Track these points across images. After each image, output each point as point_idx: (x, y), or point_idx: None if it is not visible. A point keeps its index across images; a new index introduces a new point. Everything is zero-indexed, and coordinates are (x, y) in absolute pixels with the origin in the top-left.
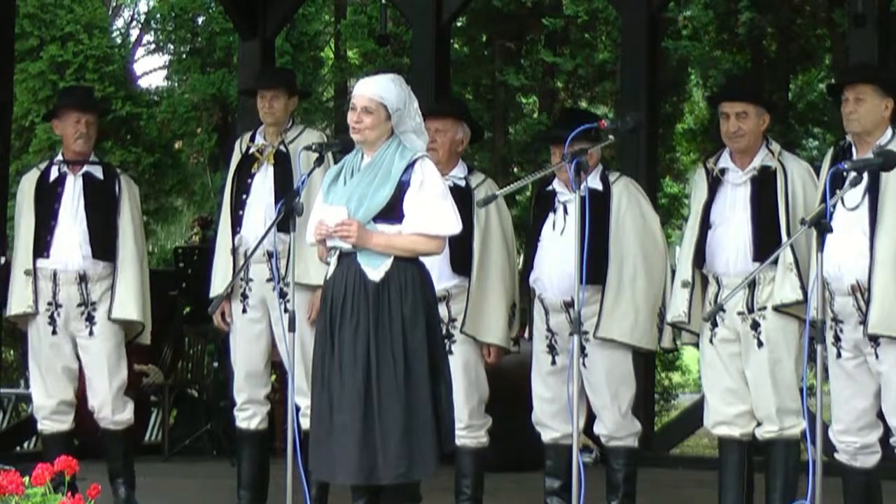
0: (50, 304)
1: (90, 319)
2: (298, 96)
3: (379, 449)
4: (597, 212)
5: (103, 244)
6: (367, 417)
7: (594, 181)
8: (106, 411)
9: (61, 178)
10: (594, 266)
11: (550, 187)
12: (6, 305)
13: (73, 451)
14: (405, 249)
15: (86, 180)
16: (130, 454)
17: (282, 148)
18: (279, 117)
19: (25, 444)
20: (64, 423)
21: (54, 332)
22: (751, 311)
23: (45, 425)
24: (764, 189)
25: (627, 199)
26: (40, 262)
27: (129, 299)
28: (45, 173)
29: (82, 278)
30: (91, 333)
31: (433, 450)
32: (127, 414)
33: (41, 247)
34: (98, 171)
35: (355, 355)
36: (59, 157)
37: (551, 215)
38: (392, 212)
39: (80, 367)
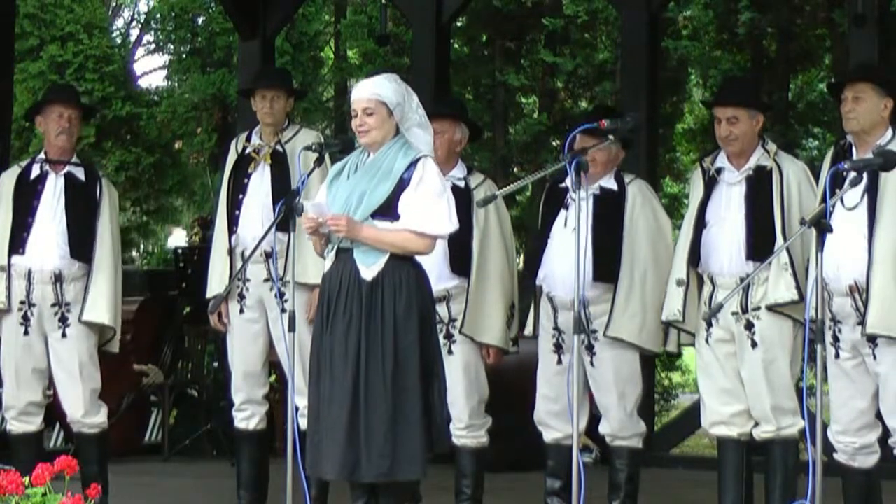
0: (23, 302)
1: (64, 320)
2: (295, 96)
3: (363, 446)
4: (611, 211)
5: (81, 245)
6: (354, 415)
7: (609, 181)
8: (78, 415)
9: (42, 177)
10: (605, 265)
11: (563, 184)
12: None
13: (43, 453)
14: (395, 246)
15: (67, 180)
16: (105, 460)
17: (278, 148)
18: (279, 118)
19: None
20: (32, 424)
21: (26, 333)
22: (745, 311)
23: (14, 426)
24: (759, 189)
25: (641, 201)
26: (15, 260)
27: (101, 303)
28: (26, 170)
29: (58, 278)
30: (64, 335)
31: (421, 450)
32: (101, 417)
33: (17, 244)
34: (80, 173)
35: (346, 352)
36: (42, 156)
37: (562, 212)
38: (390, 209)
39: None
